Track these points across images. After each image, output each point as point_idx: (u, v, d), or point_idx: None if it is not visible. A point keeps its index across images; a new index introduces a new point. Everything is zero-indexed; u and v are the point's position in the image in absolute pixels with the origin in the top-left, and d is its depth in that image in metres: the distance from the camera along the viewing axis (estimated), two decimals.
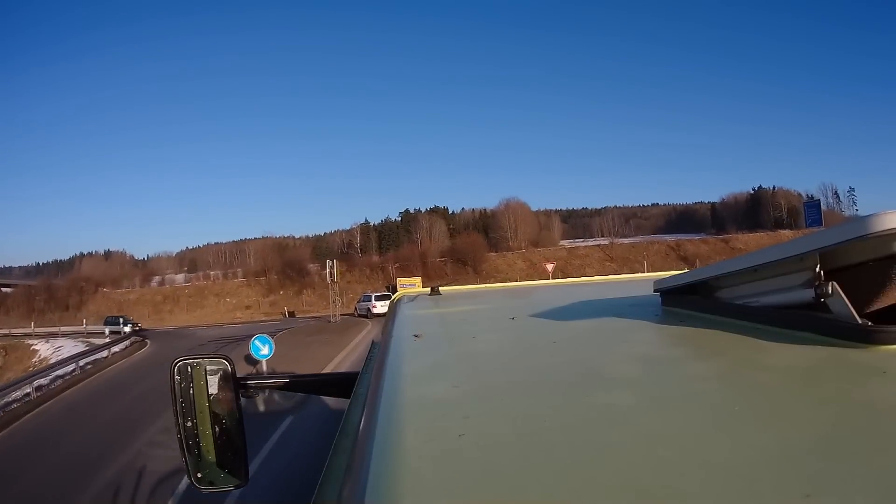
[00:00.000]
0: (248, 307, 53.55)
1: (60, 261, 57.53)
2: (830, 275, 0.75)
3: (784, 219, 46.03)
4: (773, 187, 48.36)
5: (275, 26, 64.71)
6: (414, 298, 2.23)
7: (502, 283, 3.55)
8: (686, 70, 64.87)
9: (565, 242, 59.31)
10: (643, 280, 2.08)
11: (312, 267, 57.22)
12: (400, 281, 49.76)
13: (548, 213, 57.67)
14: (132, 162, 73.10)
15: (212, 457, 1.36)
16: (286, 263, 56.89)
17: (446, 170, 66.91)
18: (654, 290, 1.33)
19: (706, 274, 1.10)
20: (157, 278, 63.73)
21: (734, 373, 0.77)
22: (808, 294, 0.77)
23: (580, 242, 60.61)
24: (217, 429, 1.37)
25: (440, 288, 2.43)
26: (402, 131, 69.45)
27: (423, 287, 3.31)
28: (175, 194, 75.68)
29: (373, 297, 35.88)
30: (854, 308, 0.74)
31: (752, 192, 50.13)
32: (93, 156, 67.77)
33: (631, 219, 56.29)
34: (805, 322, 0.82)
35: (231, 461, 1.38)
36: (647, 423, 0.59)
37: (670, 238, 55.26)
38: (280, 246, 62.31)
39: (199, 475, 1.36)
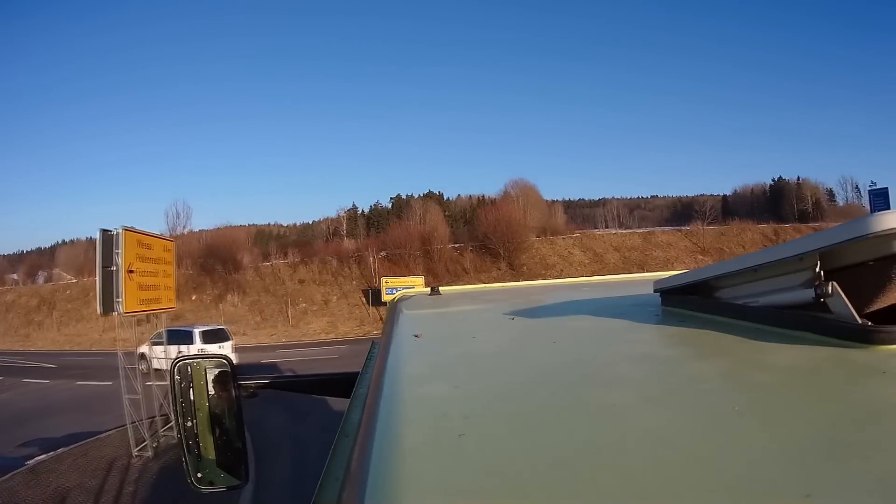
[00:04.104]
0: (138, 321, 32.42)
1: (42, 248, 50.41)
2: (830, 275, 0.76)
3: (810, 212, 43.50)
4: (798, 178, 45.80)
5: (255, 8, 58.43)
6: (414, 298, 2.24)
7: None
8: (685, 62, 60.65)
9: (577, 231, 46.68)
10: (643, 280, 2.12)
11: (250, 258, 36.17)
12: (388, 282, 28.34)
13: (549, 203, 49.17)
14: (120, 148, 65.38)
15: (212, 457, 1.37)
16: (208, 252, 35.81)
17: (439, 157, 61.16)
18: (654, 290, 1.33)
19: (706, 274, 1.10)
20: (42, 273, 43.53)
21: (734, 373, 0.77)
22: (808, 294, 0.78)
23: (657, 228, 46.53)
24: (217, 429, 1.37)
25: (440, 288, 2.44)
26: (393, 115, 61.16)
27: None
28: (161, 181, 65.50)
29: (196, 334, 16.44)
30: (854, 308, 0.74)
31: (771, 183, 47.79)
32: (83, 143, 60.63)
33: (634, 210, 52.80)
34: (805, 322, 0.82)
35: (231, 461, 1.38)
36: (647, 423, 0.60)
37: (763, 224, 44.03)
38: (261, 234, 46.64)
39: (199, 475, 1.36)
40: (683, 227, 42.74)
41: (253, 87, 59.87)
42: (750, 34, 57.42)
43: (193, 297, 34.41)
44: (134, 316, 9.75)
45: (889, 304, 0.79)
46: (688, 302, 1.17)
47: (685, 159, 63.75)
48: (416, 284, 25.08)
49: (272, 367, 18.07)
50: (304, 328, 31.48)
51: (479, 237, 36.96)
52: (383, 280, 31.11)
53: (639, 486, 0.46)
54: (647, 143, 61.40)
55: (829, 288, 0.75)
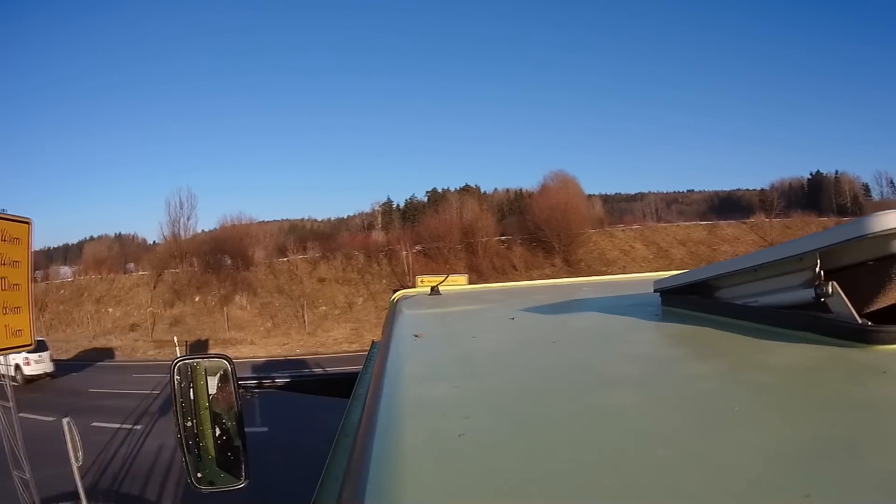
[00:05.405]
0: (133, 327, 28.31)
1: (69, 245, 45.73)
2: (830, 275, 0.76)
3: (848, 206, 40.82)
4: (836, 172, 43.98)
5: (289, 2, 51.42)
6: (414, 298, 2.24)
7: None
8: (722, 58, 53.55)
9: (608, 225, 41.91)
10: (643, 280, 2.11)
11: (264, 253, 31.21)
12: (425, 281, 21.66)
13: (587, 197, 44.79)
14: (147, 144, 57.58)
15: (212, 457, 1.37)
16: (215, 247, 30.96)
17: (471, 151, 55.38)
18: (654, 290, 1.33)
19: (706, 274, 1.10)
20: (38, 272, 39.23)
21: (734, 373, 0.78)
22: (808, 294, 0.78)
23: (722, 221, 42.31)
24: (217, 429, 1.37)
25: (440, 288, 2.44)
26: (425, 110, 55.02)
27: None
28: (190, 177, 60.87)
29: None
30: (854, 308, 0.75)
31: (809, 177, 46.06)
32: (104, 137, 54.05)
33: (672, 204, 50.23)
34: (805, 322, 0.82)
35: (231, 461, 1.38)
36: (647, 423, 0.60)
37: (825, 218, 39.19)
38: (294, 229, 40.93)
39: (199, 475, 1.36)
40: (748, 220, 38.72)
41: (284, 82, 57.12)
42: (784, 31, 53.73)
43: (196, 299, 29.82)
44: None
45: (889, 304, 0.80)
46: (688, 302, 1.17)
47: (721, 154, 60.61)
48: (458, 284, 19.66)
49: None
50: (323, 336, 26.39)
51: (529, 228, 31.61)
52: (419, 279, 25.64)
53: (638, 486, 0.46)
54: (683, 138, 57.92)
55: (829, 288, 0.75)
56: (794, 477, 0.45)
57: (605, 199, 49.18)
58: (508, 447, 0.56)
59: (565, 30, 56.34)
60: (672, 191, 51.16)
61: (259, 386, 1.84)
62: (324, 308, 28.30)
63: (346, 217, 45.01)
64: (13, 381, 7.47)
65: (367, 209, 41.93)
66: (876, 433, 0.53)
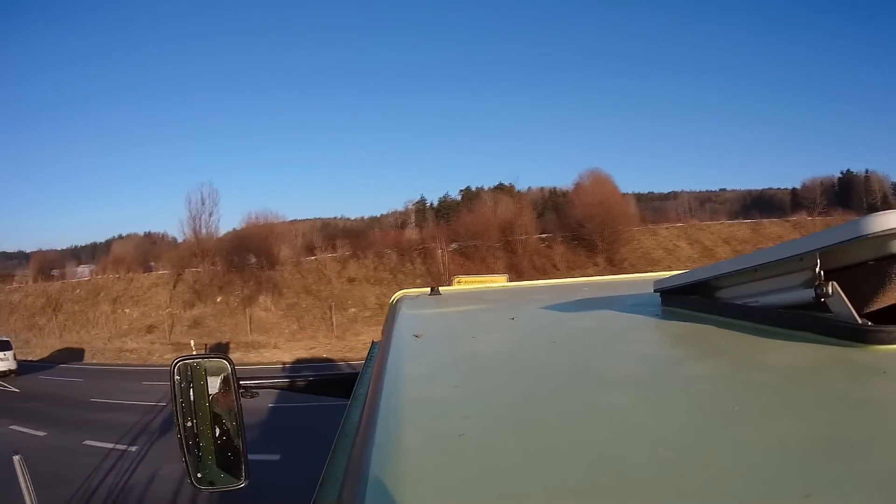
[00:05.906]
0: (150, 328, 27.02)
1: (97, 243, 45.69)
2: (830, 275, 0.77)
3: (878, 205, 39.03)
4: (867, 170, 42.81)
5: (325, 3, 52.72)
6: (414, 298, 2.22)
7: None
8: (752, 60, 54.30)
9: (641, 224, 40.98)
10: (643, 280, 2.09)
11: (291, 252, 29.66)
12: (462, 281, 19.57)
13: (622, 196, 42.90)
14: (180, 142, 59.58)
15: (212, 457, 1.36)
16: (240, 245, 29.44)
17: (504, 150, 55.47)
18: (654, 290, 1.32)
19: (706, 274, 1.11)
20: (55, 271, 38.67)
21: (734, 373, 0.78)
22: (808, 294, 0.79)
23: (765, 219, 42.01)
24: (217, 429, 1.37)
25: (440, 288, 2.43)
26: (455, 108, 56.16)
27: None
28: (221, 176, 65.93)
29: None
30: (854, 308, 0.75)
31: (839, 175, 45.08)
32: (130, 132, 56.26)
33: (705, 203, 50.82)
34: (805, 322, 0.83)
35: (231, 461, 1.38)
36: (647, 423, 0.60)
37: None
38: (327, 227, 40.68)
39: (199, 475, 1.36)
40: (790, 218, 38.05)
41: (317, 81, 56.10)
42: (814, 34, 54.15)
43: (219, 300, 28.46)
44: None
45: (889, 304, 0.80)
46: (688, 302, 1.17)
47: (753, 153, 61.85)
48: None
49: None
50: (352, 340, 24.67)
51: (570, 226, 29.92)
52: (455, 279, 23.79)
53: (638, 486, 0.46)
54: (715, 139, 58.72)
55: (829, 288, 0.75)
56: (795, 477, 0.45)
57: (639, 197, 48.27)
58: (508, 447, 0.56)
59: (595, 31, 56.10)
60: (705, 189, 50.61)
61: (259, 386, 1.74)
62: (353, 309, 26.76)
63: (378, 216, 43.87)
64: None
65: (401, 208, 40.55)
66: (876, 433, 0.52)
